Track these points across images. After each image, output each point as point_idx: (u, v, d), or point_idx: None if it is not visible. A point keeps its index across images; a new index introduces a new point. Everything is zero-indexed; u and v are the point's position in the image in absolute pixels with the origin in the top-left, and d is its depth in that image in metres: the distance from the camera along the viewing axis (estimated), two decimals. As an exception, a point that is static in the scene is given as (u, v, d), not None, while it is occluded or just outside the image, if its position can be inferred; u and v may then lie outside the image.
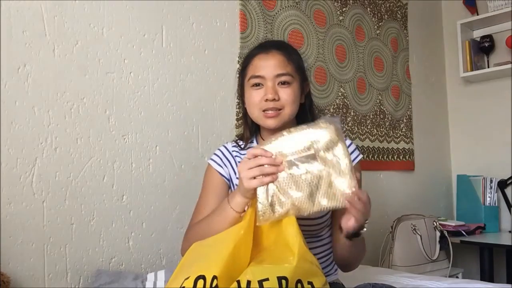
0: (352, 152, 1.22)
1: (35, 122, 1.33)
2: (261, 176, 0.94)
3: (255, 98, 1.17)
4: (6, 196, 1.26)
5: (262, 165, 0.94)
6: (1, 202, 1.25)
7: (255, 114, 1.18)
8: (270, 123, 1.16)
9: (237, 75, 1.30)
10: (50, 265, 1.33)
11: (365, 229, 1.03)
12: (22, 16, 1.32)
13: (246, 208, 1.02)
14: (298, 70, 1.21)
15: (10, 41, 1.29)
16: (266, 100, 1.15)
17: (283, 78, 1.16)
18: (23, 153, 1.30)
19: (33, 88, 1.33)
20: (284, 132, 0.97)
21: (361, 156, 1.25)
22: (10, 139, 1.28)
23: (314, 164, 0.94)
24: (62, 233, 1.35)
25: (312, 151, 0.94)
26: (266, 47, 1.22)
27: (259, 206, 0.95)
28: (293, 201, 0.94)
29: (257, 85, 1.17)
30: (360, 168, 1.20)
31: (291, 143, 0.95)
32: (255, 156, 0.96)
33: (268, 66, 1.16)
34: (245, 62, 1.24)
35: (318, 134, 0.95)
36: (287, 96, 1.16)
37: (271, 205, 0.95)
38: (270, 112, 1.15)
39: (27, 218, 1.29)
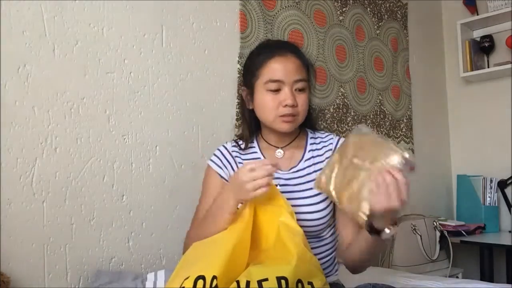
0: None
1: (35, 122, 1.33)
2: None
3: (272, 103, 1.15)
4: (6, 196, 1.26)
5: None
6: (1, 202, 1.25)
7: (270, 118, 1.16)
8: (287, 127, 1.16)
9: (238, 74, 1.29)
10: (50, 265, 1.33)
11: (387, 231, 0.95)
12: (22, 16, 1.32)
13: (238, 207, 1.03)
14: (309, 76, 1.21)
15: (10, 41, 1.29)
16: (285, 105, 1.14)
17: (300, 85, 1.16)
18: (23, 153, 1.30)
19: (33, 88, 1.33)
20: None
21: None
22: (10, 139, 1.28)
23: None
24: (62, 233, 1.35)
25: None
26: (281, 49, 1.18)
27: (324, 174, 1.03)
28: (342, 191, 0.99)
29: (275, 90, 1.15)
30: None
31: (376, 148, 0.96)
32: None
33: (287, 70, 1.14)
34: (259, 63, 1.18)
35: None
36: (303, 102, 1.16)
37: (328, 182, 1.01)
38: (287, 117, 1.15)
39: (27, 218, 1.29)
